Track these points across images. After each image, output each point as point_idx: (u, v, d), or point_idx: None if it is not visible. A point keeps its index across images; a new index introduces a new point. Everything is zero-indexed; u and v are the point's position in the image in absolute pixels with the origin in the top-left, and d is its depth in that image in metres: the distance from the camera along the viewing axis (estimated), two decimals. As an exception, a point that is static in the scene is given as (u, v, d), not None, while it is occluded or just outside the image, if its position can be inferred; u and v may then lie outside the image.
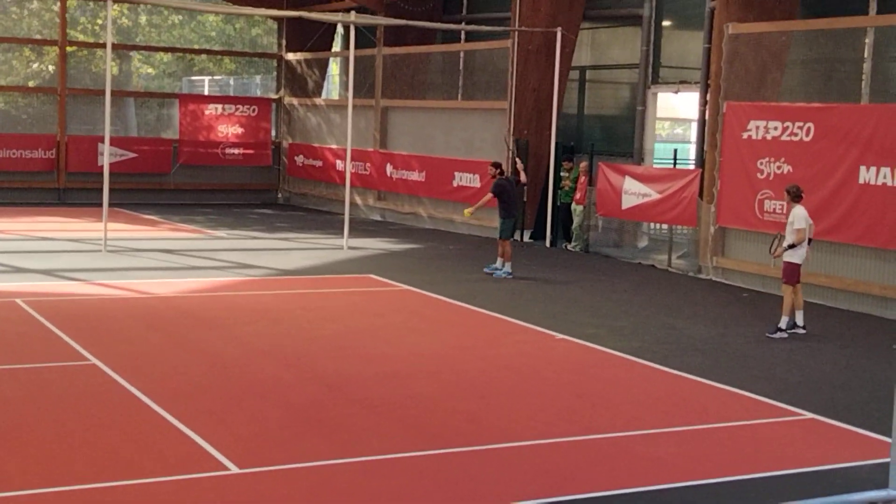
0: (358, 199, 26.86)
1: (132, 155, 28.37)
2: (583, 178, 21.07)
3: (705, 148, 18.57)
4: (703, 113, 19.07)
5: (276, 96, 31.12)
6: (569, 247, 21.62)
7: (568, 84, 23.14)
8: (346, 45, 24.29)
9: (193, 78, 32.11)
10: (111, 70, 19.63)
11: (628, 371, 11.48)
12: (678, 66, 21.44)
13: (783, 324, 13.46)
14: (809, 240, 13.68)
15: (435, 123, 25.20)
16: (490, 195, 17.71)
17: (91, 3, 28.75)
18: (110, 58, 19.23)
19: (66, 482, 7.38)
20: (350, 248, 20.38)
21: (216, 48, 31.55)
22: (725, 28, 17.44)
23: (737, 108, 17.35)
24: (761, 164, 16.86)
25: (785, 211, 15.25)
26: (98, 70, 28.57)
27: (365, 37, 26.21)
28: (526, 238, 22.46)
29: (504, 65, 22.86)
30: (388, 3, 26.44)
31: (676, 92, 21.71)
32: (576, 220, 21.40)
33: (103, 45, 24.50)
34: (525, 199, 21.79)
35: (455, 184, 23.78)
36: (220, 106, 29.80)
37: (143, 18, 30.58)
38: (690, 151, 23.13)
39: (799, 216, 13.42)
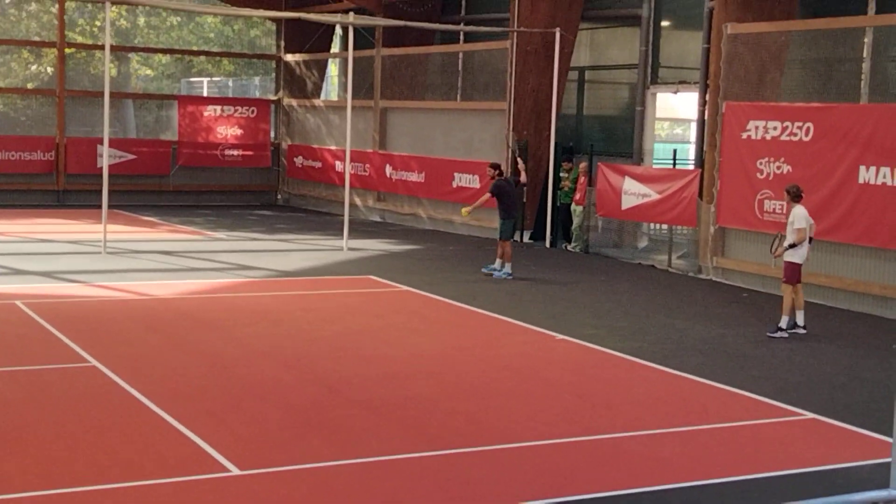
0: (357, 201, 26.86)
1: (131, 157, 28.37)
2: (582, 179, 21.06)
3: (705, 148, 18.57)
4: (702, 113, 19.07)
5: (274, 97, 31.12)
6: (569, 247, 21.61)
7: (567, 84, 23.13)
8: (344, 47, 24.28)
9: (192, 79, 32.12)
10: (110, 72, 19.63)
11: (628, 371, 11.48)
12: (677, 66, 21.44)
13: (783, 323, 13.46)
14: (810, 239, 13.68)
15: (434, 124, 25.20)
16: (488, 195, 17.70)
17: (89, 5, 28.76)
18: (109, 59, 19.23)
19: (67, 484, 7.38)
20: (350, 249, 20.37)
21: (215, 49, 31.56)
22: (724, 28, 17.44)
23: (736, 108, 17.35)
24: (761, 164, 16.86)
25: (785, 211, 15.25)
26: (97, 72, 28.56)
27: (364, 38, 26.21)
28: (526, 239, 22.45)
29: (503, 65, 22.86)
30: (386, 4, 26.44)
31: (675, 92, 21.70)
32: (575, 221, 21.39)
33: (102, 47, 24.49)
34: (525, 200, 21.80)
35: (454, 185, 23.78)
36: (218, 107, 29.80)
37: (141, 20, 30.60)
38: (690, 152, 23.12)
39: (799, 216, 13.41)
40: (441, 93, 25.55)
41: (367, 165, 26.77)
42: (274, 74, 31.44)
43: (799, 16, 17.98)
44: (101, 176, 19.33)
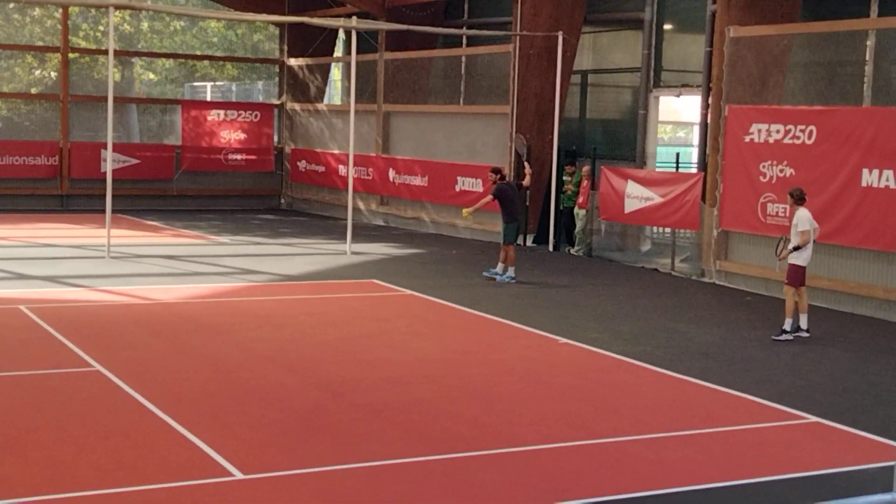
0: (361, 204, 26.88)
1: (135, 161, 28.42)
2: (585, 183, 21.07)
3: (707, 151, 18.56)
4: (705, 116, 19.06)
5: (278, 102, 31.16)
6: (572, 251, 21.61)
7: (570, 88, 23.14)
8: (347, 51, 24.34)
9: (195, 84, 32.17)
10: (113, 76, 19.66)
11: (632, 375, 11.47)
12: (680, 69, 21.45)
13: (787, 326, 13.45)
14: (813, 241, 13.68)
15: (437, 128, 25.22)
16: (490, 197, 17.71)
17: (93, 10, 28.80)
18: (112, 64, 19.26)
19: (71, 489, 7.38)
20: (353, 253, 20.39)
21: (218, 54, 31.60)
22: (727, 31, 17.45)
23: (739, 112, 17.35)
24: (764, 167, 16.86)
25: (788, 214, 15.25)
26: (100, 76, 28.61)
27: (367, 42, 26.27)
28: (529, 242, 22.45)
29: (506, 69, 22.88)
30: (389, 8, 26.47)
31: (678, 95, 21.71)
32: (578, 225, 21.39)
33: (105, 52, 24.52)
34: (528, 204, 21.81)
35: (458, 188, 23.78)
36: (222, 112, 29.85)
37: (145, 25, 30.65)
38: (693, 155, 23.13)
39: (803, 218, 13.41)
40: (444, 97, 25.56)
41: (371, 169, 26.79)
42: (277, 79, 31.48)
43: (801, 19, 17.99)
44: (104, 180, 19.36)
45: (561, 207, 21.98)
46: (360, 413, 9.50)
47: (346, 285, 16.98)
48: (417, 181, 25.18)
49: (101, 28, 29.30)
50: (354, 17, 21.34)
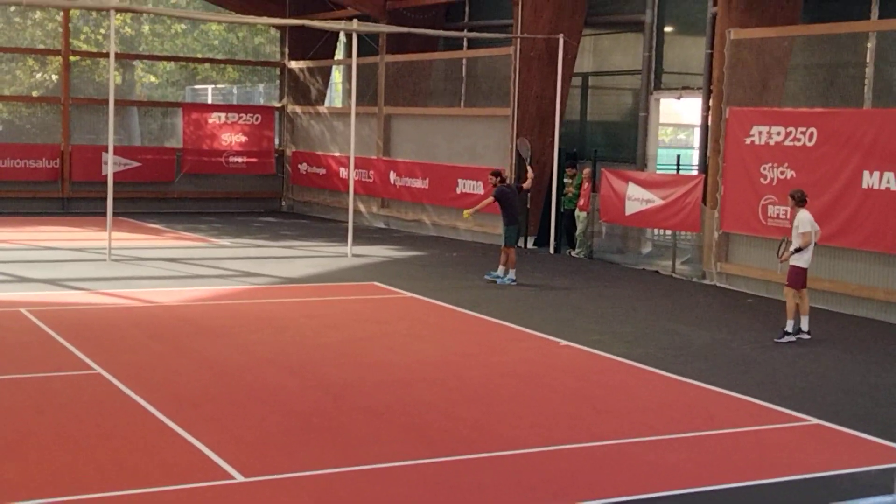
0: (361, 207, 26.88)
1: (136, 164, 28.43)
2: (586, 185, 21.07)
3: (708, 153, 18.57)
4: (705, 118, 19.07)
5: (279, 105, 31.17)
6: (573, 253, 21.61)
7: (570, 90, 23.15)
8: (348, 53, 24.35)
9: (197, 87, 32.19)
10: (114, 79, 19.67)
11: (633, 377, 11.47)
12: (680, 71, 21.45)
13: (789, 327, 13.45)
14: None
15: (438, 130, 25.23)
16: (491, 198, 17.72)
17: (94, 13, 28.82)
18: (113, 67, 19.27)
19: (71, 492, 7.38)
20: (354, 255, 20.39)
21: (219, 57, 31.61)
22: (727, 33, 17.46)
23: (739, 114, 17.35)
24: (764, 169, 16.86)
25: (789, 216, 15.24)
26: (101, 79, 28.62)
27: (367, 44, 26.27)
28: (530, 245, 22.45)
29: (506, 72, 22.88)
30: (390, 11, 26.49)
31: (679, 98, 21.71)
32: (579, 227, 21.39)
33: (106, 55, 24.56)
34: (528, 206, 21.81)
35: (458, 191, 23.79)
36: (223, 115, 29.85)
37: (146, 28, 30.66)
38: (693, 157, 23.12)
39: (804, 220, 13.41)
40: (445, 99, 25.57)
41: (372, 172, 26.79)
42: (278, 81, 31.49)
43: (802, 21, 17.98)
44: (105, 183, 19.36)
45: (562, 210, 21.98)
46: (361, 415, 9.50)
47: (346, 288, 16.98)
48: (418, 184, 25.19)
49: (102, 31, 29.32)
50: (355, 20, 21.33)
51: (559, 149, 22.13)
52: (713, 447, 9.02)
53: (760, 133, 16.94)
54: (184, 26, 31.06)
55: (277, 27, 30.32)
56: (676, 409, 10.22)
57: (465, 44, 26.37)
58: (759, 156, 16.94)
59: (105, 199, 19.02)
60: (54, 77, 28.66)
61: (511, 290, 16.93)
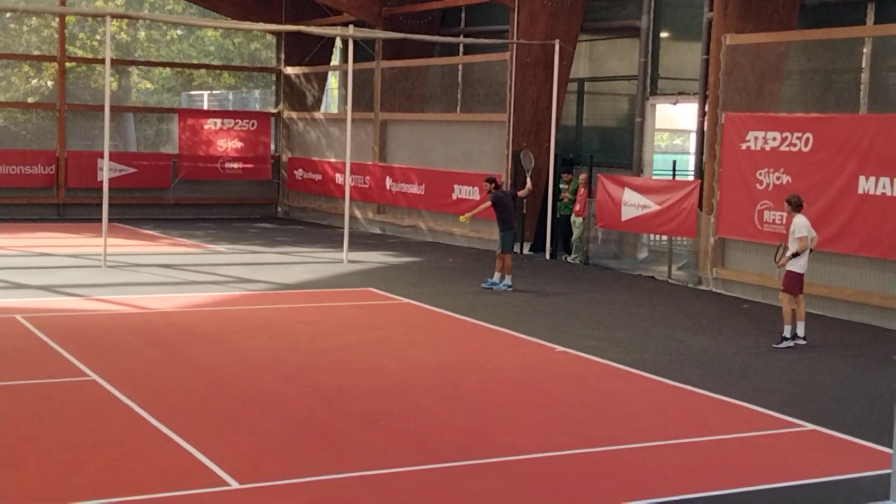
0: (357, 213, 26.88)
1: (132, 170, 28.41)
2: (582, 190, 21.08)
3: (704, 159, 18.58)
4: (701, 124, 19.08)
5: (275, 110, 31.17)
6: (569, 259, 21.62)
7: (566, 96, 23.17)
8: (344, 59, 24.32)
9: (192, 93, 32.17)
10: (110, 85, 19.65)
11: (629, 383, 11.47)
12: (676, 77, 21.47)
13: (786, 333, 13.45)
14: (809, 250, 13.67)
15: (434, 136, 25.24)
16: (489, 202, 17.73)
17: (90, 19, 28.80)
18: (109, 73, 19.26)
19: (66, 498, 7.36)
20: (350, 261, 20.38)
21: (215, 63, 31.60)
22: (723, 39, 17.47)
23: (735, 119, 17.36)
24: (760, 174, 16.87)
25: (785, 221, 15.25)
26: (97, 85, 28.61)
27: (363, 50, 26.27)
28: (526, 250, 22.46)
29: (502, 77, 22.90)
30: (386, 17, 26.50)
31: (675, 103, 21.72)
32: (575, 232, 21.40)
33: (102, 61, 24.53)
34: (524, 212, 21.81)
35: (454, 196, 23.79)
36: (219, 120, 29.85)
37: (141, 34, 30.66)
38: (689, 162, 23.12)
39: (800, 225, 13.42)
40: (441, 105, 25.58)
41: (367, 178, 26.80)
42: (274, 87, 31.50)
43: (798, 26, 18.01)
44: (101, 189, 19.34)
45: (558, 215, 22.00)
46: (357, 422, 9.49)
47: (342, 294, 16.97)
48: (414, 189, 25.19)
49: (97, 37, 29.30)
50: (351, 26, 21.32)
51: (555, 154, 22.15)
52: (709, 453, 9.02)
53: (756, 138, 16.95)
54: (180, 32, 31.06)
55: (273, 33, 30.33)
56: (672, 414, 10.22)
57: (461, 49, 26.40)
58: (755, 161, 16.95)
59: (101, 205, 18.99)
60: (50, 83, 28.64)
61: (507, 296, 16.92)
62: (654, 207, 19.28)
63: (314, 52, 29.50)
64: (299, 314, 15.07)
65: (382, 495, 7.66)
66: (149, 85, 31.33)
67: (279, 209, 30.91)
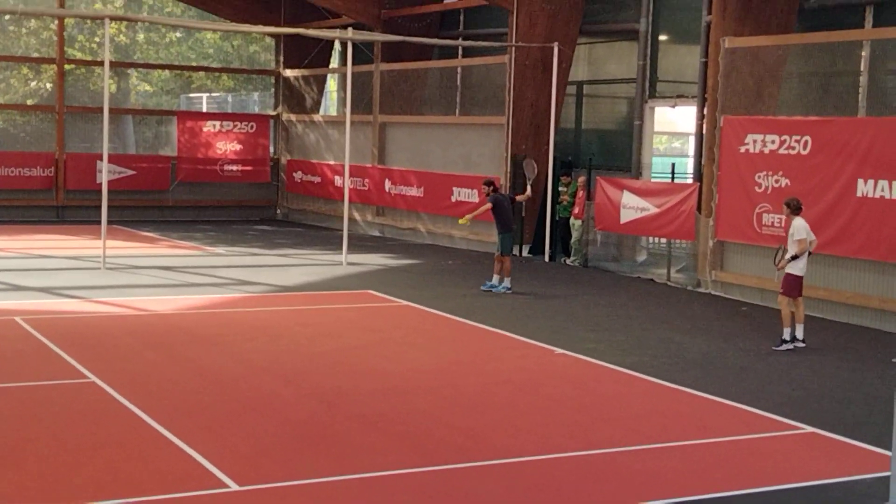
0: (356, 215, 26.88)
1: (131, 172, 28.42)
2: (581, 193, 21.08)
3: (703, 162, 18.59)
4: (700, 127, 19.09)
5: (274, 113, 31.18)
6: (567, 261, 21.62)
7: (565, 99, 23.17)
8: (343, 62, 24.35)
9: (191, 95, 32.19)
10: (109, 88, 19.66)
11: (628, 385, 11.47)
12: (675, 80, 21.49)
13: (786, 335, 13.46)
14: (809, 253, 13.68)
15: (433, 139, 25.25)
16: (489, 205, 17.74)
17: (89, 21, 28.81)
18: (108, 75, 19.26)
19: (65, 500, 7.37)
20: (349, 263, 20.38)
21: (214, 65, 31.62)
22: (722, 42, 17.49)
23: (734, 122, 17.38)
24: (759, 177, 16.88)
25: (784, 224, 15.26)
26: (96, 88, 28.62)
27: (362, 53, 26.27)
28: (525, 253, 22.46)
29: (501, 80, 22.91)
30: (385, 20, 26.53)
31: (674, 106, 21.74)
32: (574, 235, 21.41)
33: (101, 63, 24.53)
34: (523, 215, 21.82)
35: (453, 199, 23.80)
36: (218, 123, 29.86)
37: (140, 36, 30.67)
38: (688, 165, 23.15)
39: (799, 227, 13.42)
40: (440, 107, 25.60)
41: (366, 180, 26.81)
42: (273, 90, 31.51)
43: (796, 30, 18.02)
44: (100, 192, 19.34)
45: (557, 218, 22.00)
46: (356, 424, 9.49)
47: (341, 296, 16.97)
48: (413, 192, 25.20)
49: (97, 39, 29.31)
50: (350, 29, 21.34)
51: (554, 157, 22.16)
52: (707, 455, 9.02)
53: (755, 141, 16.97)
54: (178, 35, 31.07)
55: (272, 36, 30.36)
56: (671, 417, 10.22)
57: (459, 52, 26.40)
58: (754, 164, 16.96)
59: (100, 207, 18.99)
60: (49, 85, 28.65)
61: (506, 299, 16.93)
62: (653, 210, 19.29)
63: (313, 55, 29.51)
64: (298, 316, 15.07)
65: (382, 497, 7.66)
66: (148, 87, 31.34)
67: (278, 211, 30.92)
